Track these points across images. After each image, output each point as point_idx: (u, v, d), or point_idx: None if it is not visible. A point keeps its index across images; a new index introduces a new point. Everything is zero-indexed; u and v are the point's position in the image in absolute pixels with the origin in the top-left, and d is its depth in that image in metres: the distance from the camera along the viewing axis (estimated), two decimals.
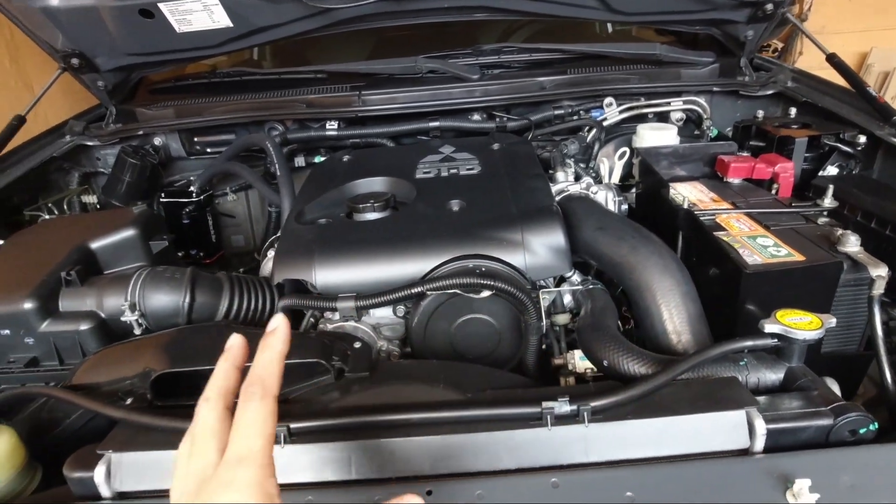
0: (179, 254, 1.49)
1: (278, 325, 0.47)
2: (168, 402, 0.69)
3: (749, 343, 0.68)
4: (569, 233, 0.95)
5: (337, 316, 0.89)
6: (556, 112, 1.42)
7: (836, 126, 1.24)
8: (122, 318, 0.88)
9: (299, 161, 1.48)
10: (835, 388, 0.71)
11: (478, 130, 1.41)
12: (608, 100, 1.42)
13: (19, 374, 0.86)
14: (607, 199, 1.07)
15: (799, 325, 0.67)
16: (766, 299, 0.84)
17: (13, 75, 2.36)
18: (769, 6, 1.34)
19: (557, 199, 1.06)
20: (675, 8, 1.37)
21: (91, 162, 1.50)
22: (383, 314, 0.93)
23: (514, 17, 1.42)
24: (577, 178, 1.21)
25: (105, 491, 0.59)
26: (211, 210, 1.51)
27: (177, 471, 0.42)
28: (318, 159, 1.47)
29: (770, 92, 1.43)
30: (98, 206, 1.44)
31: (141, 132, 1.45)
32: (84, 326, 0.87)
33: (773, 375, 0.70)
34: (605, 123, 1.42)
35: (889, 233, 0.97)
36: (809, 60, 3.08)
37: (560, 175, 1.13)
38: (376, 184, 1.11)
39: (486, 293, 0.83)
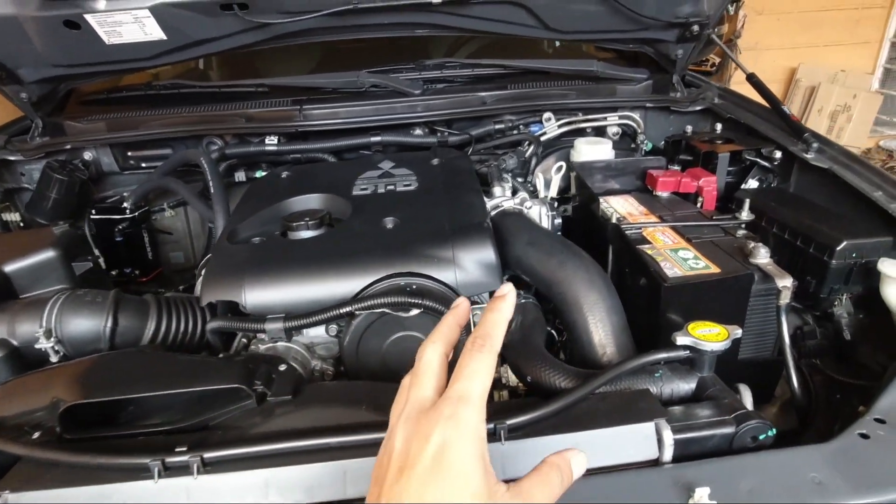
0: (113, 272, 1.44)
1: (508, 291, 0.52)
2: (80, 435, 0.66)
3: (662, 355, 0.71)
4: (501, 248, 0.97)
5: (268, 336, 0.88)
6: (497, 126, 1.45)
7: (757, 141, 1.31)
8: (37, 346, 0.84)
9: (240, 176, 1.46)
10: (747, 394, 0.75)
11: (420, 145, 1.42)
12: (547, 115, 1.45)
13: None
14: (541, 213, 1.09)
15: (707, 336, 0.71)
16: (686, 310, 0.88)
17: None
18: (695, 27, 1.41)
19: (493, 214, 1.08)
20: (608, 27, 1.42)
21: (14, 177, 1.43)
22: (317, 333, 0.92)
23: (455, 34, 1.43)
24: (515, 193, 1.23)
25: None
26: (147, 227, 1.47)
27: (399, 396, 0.49)
28: (259, 174, 1.45)
29: (699, 108, 1.50)
30: (21, 225, 1.38)
31: (69, 146, 1.40)
32: None
33: (686, 385, 0.73)
34: (543, 138, 1.45)
35: (800, 244, 1.03)
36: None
37: (497, 190, 1.15)
38: (312, 201, 1.10)
39: (415, 311, 0.83)
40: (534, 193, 1.25)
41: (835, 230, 0.99)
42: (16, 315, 0.86)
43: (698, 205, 1.16)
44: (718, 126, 1.43)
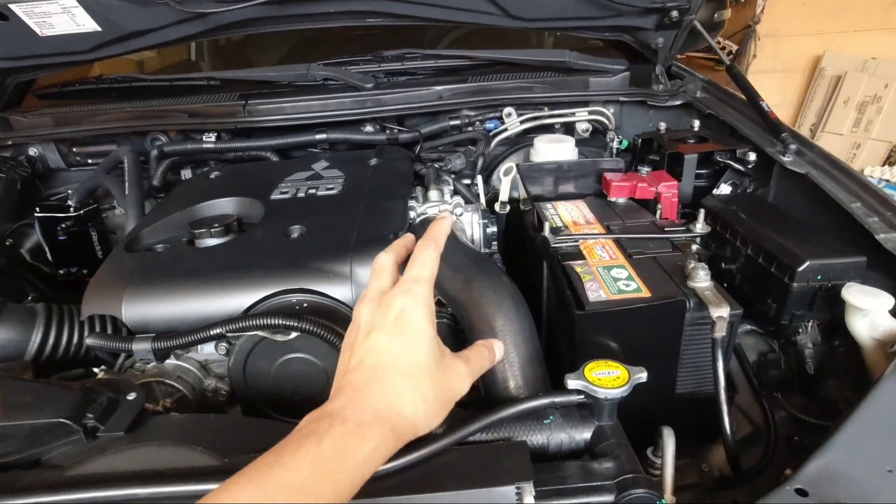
0: (60, 271, 1.41)
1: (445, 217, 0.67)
2: None
3: (549, 400, 0.61)
4: None
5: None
6: (453, 123, 1.35)
7: (735, 142, 1.17)
8: None
9: (186, 174, 1.40)
10: (669, 441, 0.64)
11: (368, 143, 1.33)
12: (507, 110, 1.34)
13: None
14: (472, 222, 0.99)
15: (603, 381, 0.60)
16: (609, 340, 0.77)
17: None
18: (674, 13, 1.27)
19: (417, 221, 0.98)
20: (577, 13, 1.29)
21: None
22: (211, 351, 0.86)
23: (408, 23, 1.33)
24: (462, 196, 1.14)
25: None
26: (97, 225, 1.43)
27: (363, 294, 0.59)
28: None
29: (678, 102, 1.36)
30: None
31: (10, 142, 1.36)
32: None
33: (580, 435, 0.62)
34: (504, 135, 1.34)
35: (762, 261, 0.90)
36: (763, 63, 3.03)
37: (433, 194, 1.06)
38: (228, 205, 1.03)
39: (294, 333, 0.75)
40: (479, 197, 1.14)
41: (800, 248, 0.86)
42: None
43: (658, 214, 1.04)
44: (696, 123, 1.29)
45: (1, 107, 1.45)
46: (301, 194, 1.03)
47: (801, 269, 0.82)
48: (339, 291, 0.81)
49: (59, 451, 0.61)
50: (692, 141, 1.19)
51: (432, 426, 0.54)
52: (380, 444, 0.48)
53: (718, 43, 3.03)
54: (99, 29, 1.23)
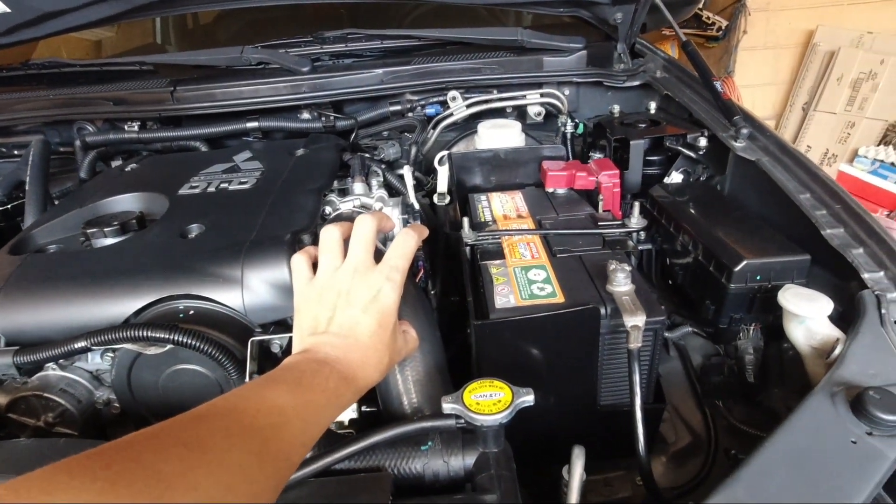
0: None
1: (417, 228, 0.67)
2: None
3: (424, 425, 0.54)
4: None
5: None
6: (393, 108, 1.26)
7: (690, 126, 1.08)
8: None
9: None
10: (578, 463, 0.58)
11: (302, 131, 1.25)
12: (452, 93, 1.25)
13: None
14: (393, 216, 0.92)
15: (482, 405, 0.53)
16: (519, 350, 0.70)
17: None
18: None
19: (332, 216, 0.91)
20: None
21: None
22: (99, 361, 0.79)
23: (347, 1, 1.24)
24: (390, 189, 1.06)
25: None
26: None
27: (300, 272, 0.64)
28: None
29: (637, 83, 1.26)
30: None
31: None
32: None
33: (460, 462, 0.56)
34: (449, 120, 1.26)
35: (702, 258, 0.82)
36: (754, 40, 2.89)
37: (358, 186, 0.98)
38: (133, 201, 0.96)
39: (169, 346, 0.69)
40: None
41: (740, 245, 0.78)
42: None
43: (599, 206, 0.96)
44: (652, 105, 1.20)
45: None
46: (211, 189, 0.95)
47: (737, 268, 0.75)
48: (229, 297, 0.74)
49: None
50: (643, 125, 1.11)
51: (378, 382, 0.60)
52: (351, 398, 0.55)
53: (708, 19, 2.90)
54: (8, 10, 1.15)
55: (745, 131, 0.93)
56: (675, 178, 1.05)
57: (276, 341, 0.76)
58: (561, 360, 0.71)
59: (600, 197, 0.96)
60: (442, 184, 1.09)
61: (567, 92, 1.32)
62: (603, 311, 0.68)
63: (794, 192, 0.81)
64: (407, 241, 0.62)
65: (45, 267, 0.80)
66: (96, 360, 0.80)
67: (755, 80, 3.02)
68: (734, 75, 3.00)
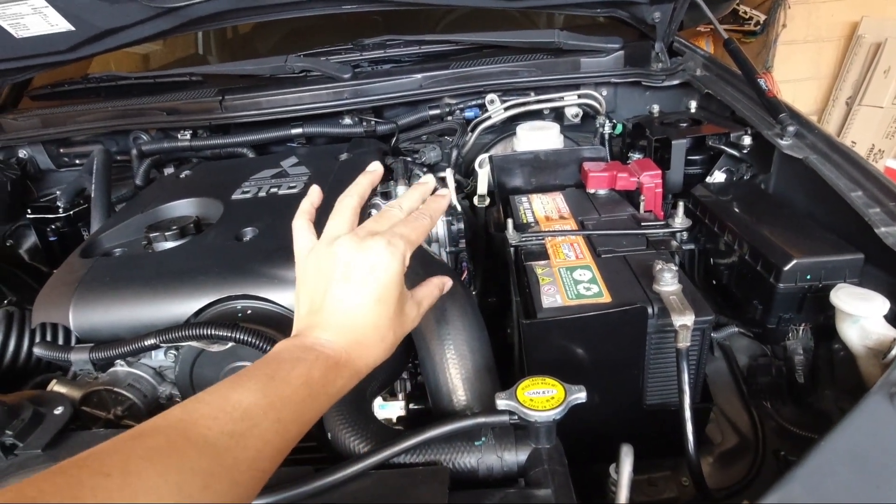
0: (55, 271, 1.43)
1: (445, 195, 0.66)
2: None
3: (479, 420, 0.56)
4: None
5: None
6: (432, 112, 1.29)
7: (733, 125, 1.07)
8: None
9: (170, 172, 1.39)
10: (627, 461, 0.59)
11: (345, 136, 1.29)
12: (490, 96, 1.27)
13: None
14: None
15: (536, 401, 0.55)
16: (565, 349, 0.71)
17: None
18: None
19: None
20: None
21: None
22: (162, 357, 0.84)
23: (387, 8, 1.27)
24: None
25: None
26: (86, 225, 1.44)
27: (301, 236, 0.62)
28: None
29: (676, 82, 1.26)
30: None
31: (1, 145, 1.38)
32: None
33: (514, 458, 0.57)
34: (488, 123, 1.27)
35: (748, 258, 0.82)
36: (794, 33, 2.81)
37: (401, 189, 1.01)
38: (189, 206, 1.01)
39: (231, 343, 0.73)
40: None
41: (788, 245, 0.77)
42: None
43: (641, 207, 0.96)
44: (692, 104, 1.19)
45: (1, 108, 1.47)
46: (262, 193, 0.99)
47: (787, 267, 0.74)
48: (284, 297, 0.77)
49: None
50: (685, 124, 1.10)
51: (382, 360, 0.55)
52: (347, 383, 0.51)
53: (745, 13, 2.84)
54: (72, 28, 1.22)
55: (791, 129, 0.92)
56: (718, 177, 1.04)
57: None
58: (607, 358, 0.72)
59: (642, 197, 0.96)
60: (482, 186, 1.11)
61: (605, 92, 1.32)
62: (650, 310, 0.68)
63: (846, 190, 0.79)
64: (420, 220, 0.58)
65: (113, 270, 0.85)
66: (160, 357, 0.84)
67: (795, 75, 2.93)
68: (773, 70, 2.93)
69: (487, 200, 1.13)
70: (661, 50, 1.34)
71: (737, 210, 0.91)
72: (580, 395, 0.55)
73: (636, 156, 1.16)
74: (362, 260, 0.53)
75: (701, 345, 0.70)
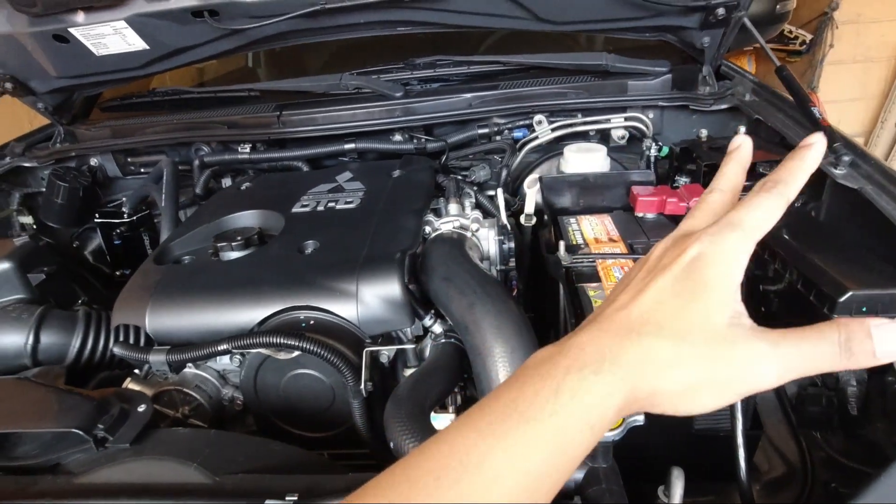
0: (118, 272, 1.52)
1: (817, 141, 0.43)
2: None
3: None
4: (424, 281, 0.87)
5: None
6: (481, 131, 1.32)
7: (783, 151, 1.08)
8: None
9: (226, 183, 1.46)
10: (678, 483, 0.60)
11: (395, 152, 1.33)
12: (538, 117, 1.30)
13: None
14: (489, 238, 0.97)
15: None
16: None
17: None
18: (720, 11, 1.18)
19: (431, 237, 0.97)
20: (609, 15, 1.23)
21: (36, 182, 1.55)
22: (227, 361, 0.89)
23: (436, 30, 1.32)
24: (481, 210, 1.12)
25: None
26: (148, 230, 1.52)
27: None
28: None
29: (724, 106, 1.26)
30: (35, 227, 1.49)
31: (75, 153, 1.48)
32: None
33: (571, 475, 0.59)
34: (534, 143, 1.30)
35: (801, 287, 0.82)
36: (841, 53, 2.76)
37: (453, 207, 1.04)
38: (252, 218, 1.06)
39: (297, 352, 0.77)
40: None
41: (844, 275, 0.77)
42: None
43: None
44: (741, 129, 1.19)
45: (69, 120, 1.57)
46: (320, 208, 1.04)
47: (842, 299, 0.74)
48: (344, 309, 0.82)
49: (73, 458, 0.66)
50: None
51: (690, 411, 0.41)
52: (618, 406, 0.37)
53: (791, 33, 2.80)
54: (147, 47, 1.30)
55: (846, 158, 0.92)
56: None
57: (385, 352, 0.83)
58: None
59: None
60: (530, 205, 1.14)
61: (651, 115, 1.34)
62: None
63: None
64: (762, 197, 0.41)
65: (185, 277, 0.91)
66: (224, 361, 0.89)
67: (841, 96, 2.88)
68: (818, 91, 2.88)
69: (534, 220, 1.16)
70: (708, 74, 1.36)
71: (787, 237, 0.91)
72: (638, 418, 0.57)
73: (683, 180, 1.18)
74: (674, 255, 0.41)
75: None
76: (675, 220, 1.01)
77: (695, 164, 1.13)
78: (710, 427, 0.77)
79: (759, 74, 1.33)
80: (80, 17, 1.22)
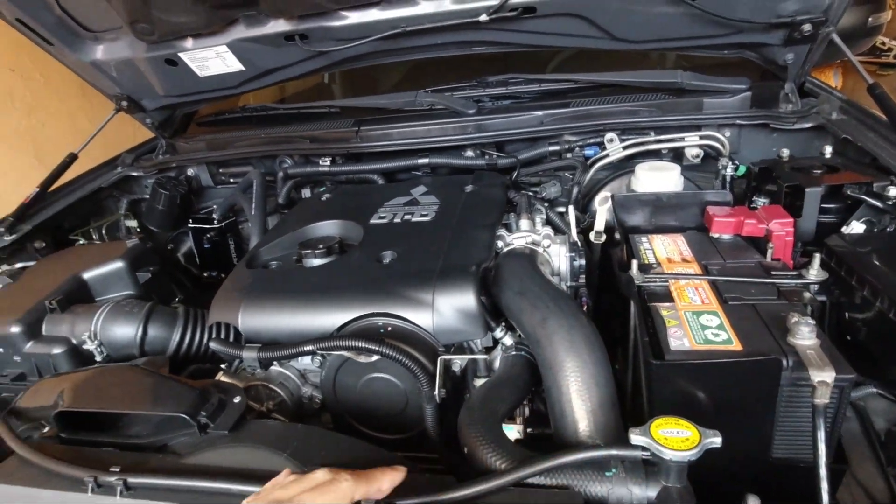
0: (205, 274, 1.65)
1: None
2: (72, 436, 0.77)
3: (612, 452, 0.60)
4: (497, 294, 0.90)
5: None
6: (552, 148, 1.34)
7: (875, 173, 1.03)
8: (85, 347, 0.99)
9: (305, 193, 1.56)
10: None
11: (467, 168, 1.37)
12: (609, 135, 1.30)
13: (9, 386, 1.01)
14: (560, 254, 0.99)
15: (670, 440, 0.57)
16: (689, 393, 0.73)
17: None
18: (806, 27, 1.15)
19: (503, 252, 1.00)
20: (687, 33, 1.22)
21: (141, 190, 1.71)
22: (308, 362, 0.95)
23: (512, 50, 1.36)
24: (552, 226, 1.13)
25: None
26: (233, 236, 1.65)
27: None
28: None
29: (808, 125, 1.22)
30: (138, 230, 1.64)
31: (175, 164, 1.62)
32: (57, 350, 0.99)
33: (642, 492, 0.60)
34: (605, 161, 1.31)
35: (893, 316, 0.79)
36: None
37: (524, 223, 1.07)
38: (333, 227, 1.13)
39: (376, 356, 0.82)
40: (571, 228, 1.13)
41: None
42: (76, 318, 1.03)
43: (768, 254, 0.95)
44: (828, 149, 1.15)
45: (170, 134, 1.73)
46: (397, 219, 1.10)
47: None
48: (420, 318, 0.86)
49: (178, 441, 0.73)
50: (819, 171, 1.07)
51: None
52: None
53: (883, 44, 2.64)
54: (243, 68, 1.42)
55: None
56: (856, 227, 1.00)
57: (458, 361, 0.86)
58: (733, 406, 0.73)
59: (770, 245, 0.94)
60: (600, 222, 1.14)
61: (728, 133, 1.31)
62: (784, 362, 0.68)
63: None
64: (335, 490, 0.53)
65: (274, 281, 0.98)
66: (305, 361, 0.96)
67: None
68: None
69: (604, 237, 1.16)
70: (791, 91, 1.31)
71: (878, 263, 0.87)
72: (715, 440, 0.57)
73: (762, 201, 1.14)
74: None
75: (839, 403, 0.69)
76: (754, 242, 0.98)
77: (775, 184, 1.10)
78: (790, 457, 0.74)
79: (845, 88, 1.28)
80: (189, 42, 1.35)
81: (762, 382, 0.70)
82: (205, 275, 1.65)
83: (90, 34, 1.38)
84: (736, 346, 0.72)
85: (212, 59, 1.41)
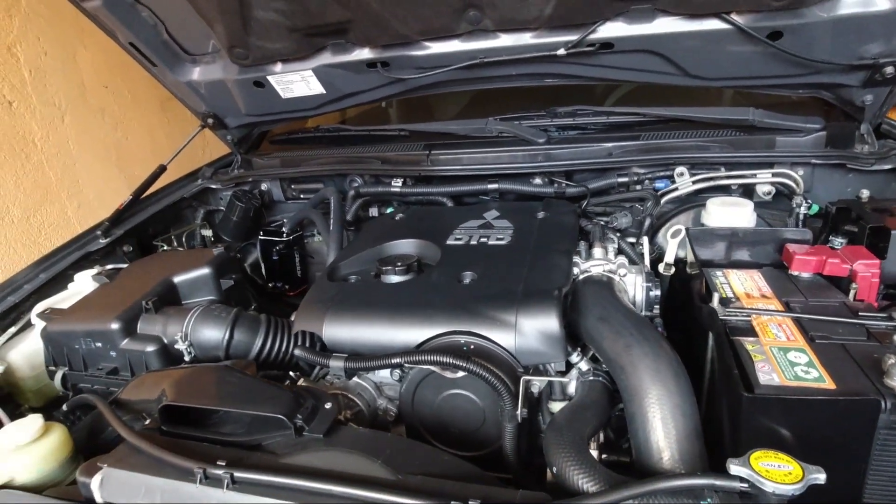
0: (270, 284, 1.72)
1: None
2: (173, 429, 0.82)
3: (709, 482, 0.60)
4: (576, 319, 0.92)
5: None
6: (621, 180, 1.36)
7: None
8: (176, 346, 1.05)
9: (373, 212, 1.62)
10: None
11: (536, 195, 1.41)
12: (680, 169, 1.32)
13: (103, 380, 1.08)
14: (635, 284, 1.00)
15: (772, 473, 0.58)
16: (781, 428, 0.72)
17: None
18: (889, 70, 1.15)
19: (581, 278, 1.02)
20: (765, 72, 1.24)
21: (217, 201, 1.81)
22: (385, 375, 0.98)
23: (585, 83, 1.40)
24: (626, 256, 1.15)
25: (98, 497, 0.72)
26: (299, 249, 1.72)
27: None
28: (389, 211, 1.59)
29: (888, 167, 1.21)
30: (213, 239, 1.73)
31: (251, 179, 1.71)
32: (150, 348, 1.06)
33: None
34: (674, 194, 1.32)
35: None
36: None
37: (598, 251, 1.09)
38: (409, 246, 1.18)
39: (461, 372, 0.84)
40: (643, 258, 1.14)
41: None
42: (168, 319, 1.09)
43: (851, 294, 0.94)
44: None
45: (246, 150, 1.84)
46: (473, 242, 1.13)
47: None
48: (503, 338, 0.88)
49: (273, 441, 0.77)
50: None
51: None
52: None
53: None
54: (324, 91, 1.51)
55: None
56: None
57: (537, 383, 0.88)
58: (824, 446, 0.72)
59: (854, 285, 0.94)
60: (670, 255, 1.15)
61: (801, 172, 1.30)
62: (883, 404, 0.68)
63: None
64: None
65: (356, 294, 1.03)
66: (383, 374, 0.99)
67: None
68: None
69: (673, 269, 1.17)
70: (867, 132, 1.31)
71: None
72: (819, 476, 0.57)
73: (839, 241, 1.13)
74: None
75: None
76: (835, 281, 0.98)
77: (855, 224, 1.09)
78: (883, 503, 0.73)
79: None
80: (278, 66, 1.45)
81: (857, 423, 0.69)
82: (269, 285, 1.72)
83: (189, 57, 1.49)
84: (829, 384, 0.71)
85: (297, 82, 1.50)
